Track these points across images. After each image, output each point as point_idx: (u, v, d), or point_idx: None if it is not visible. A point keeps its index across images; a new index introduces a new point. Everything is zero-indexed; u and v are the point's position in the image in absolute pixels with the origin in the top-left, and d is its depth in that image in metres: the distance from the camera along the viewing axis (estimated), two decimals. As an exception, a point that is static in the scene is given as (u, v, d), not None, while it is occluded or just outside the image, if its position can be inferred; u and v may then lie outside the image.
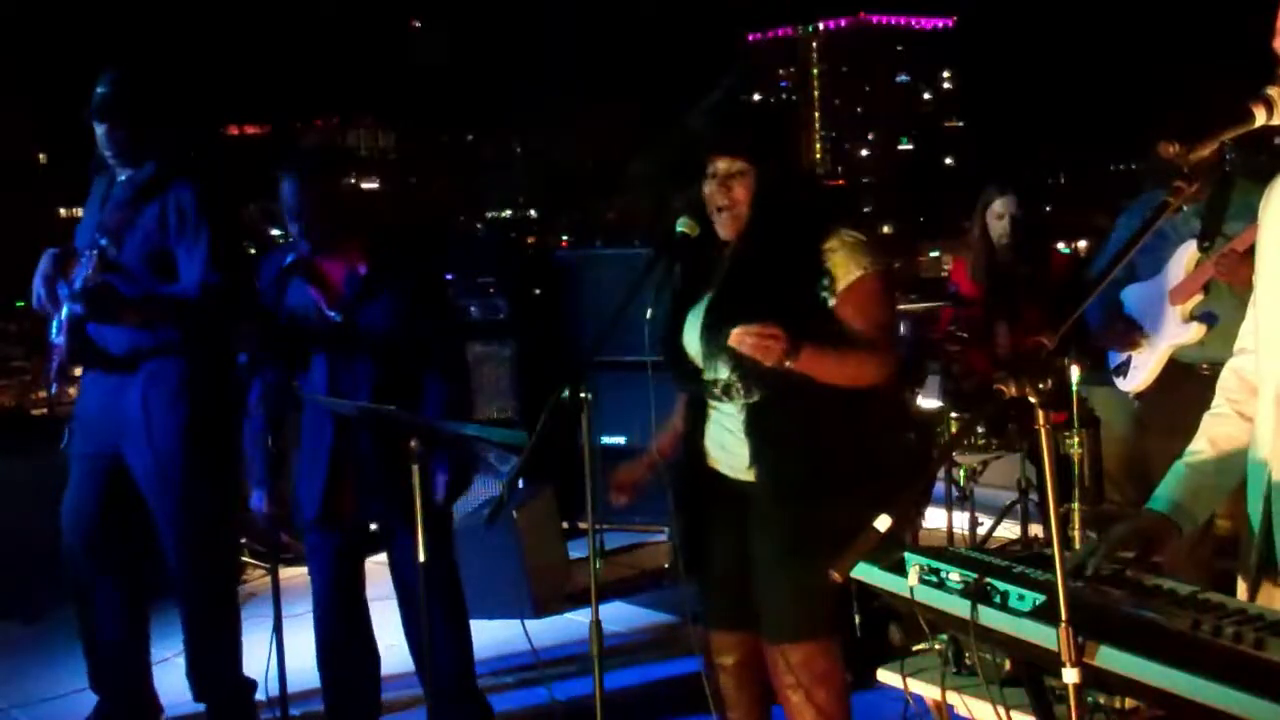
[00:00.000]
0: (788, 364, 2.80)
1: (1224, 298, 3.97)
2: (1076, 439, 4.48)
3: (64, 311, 3.89)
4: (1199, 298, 4.05)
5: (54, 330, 3.96)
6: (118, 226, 3.91)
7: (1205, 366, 3.94)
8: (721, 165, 2.99)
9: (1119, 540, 2.14)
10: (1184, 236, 4.11)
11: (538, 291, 7.33)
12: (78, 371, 4.11)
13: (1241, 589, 2.16)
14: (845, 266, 2.94)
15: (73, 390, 4.24)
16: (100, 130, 3.94)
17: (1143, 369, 4.21)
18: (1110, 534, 2.15)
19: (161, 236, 3.92)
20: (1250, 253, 2.34)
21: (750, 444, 3.01)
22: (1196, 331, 4.04)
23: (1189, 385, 3.77)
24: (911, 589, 2.07)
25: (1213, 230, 4.02)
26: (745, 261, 3.00)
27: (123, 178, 4.02)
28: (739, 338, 2.79)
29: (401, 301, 3.74)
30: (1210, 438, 2.24)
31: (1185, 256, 4.09)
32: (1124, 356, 4.32)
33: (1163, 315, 4.14)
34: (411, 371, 3.75)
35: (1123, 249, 2.06)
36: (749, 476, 3.04)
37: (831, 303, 2.94)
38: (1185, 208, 4.09)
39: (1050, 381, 1.81)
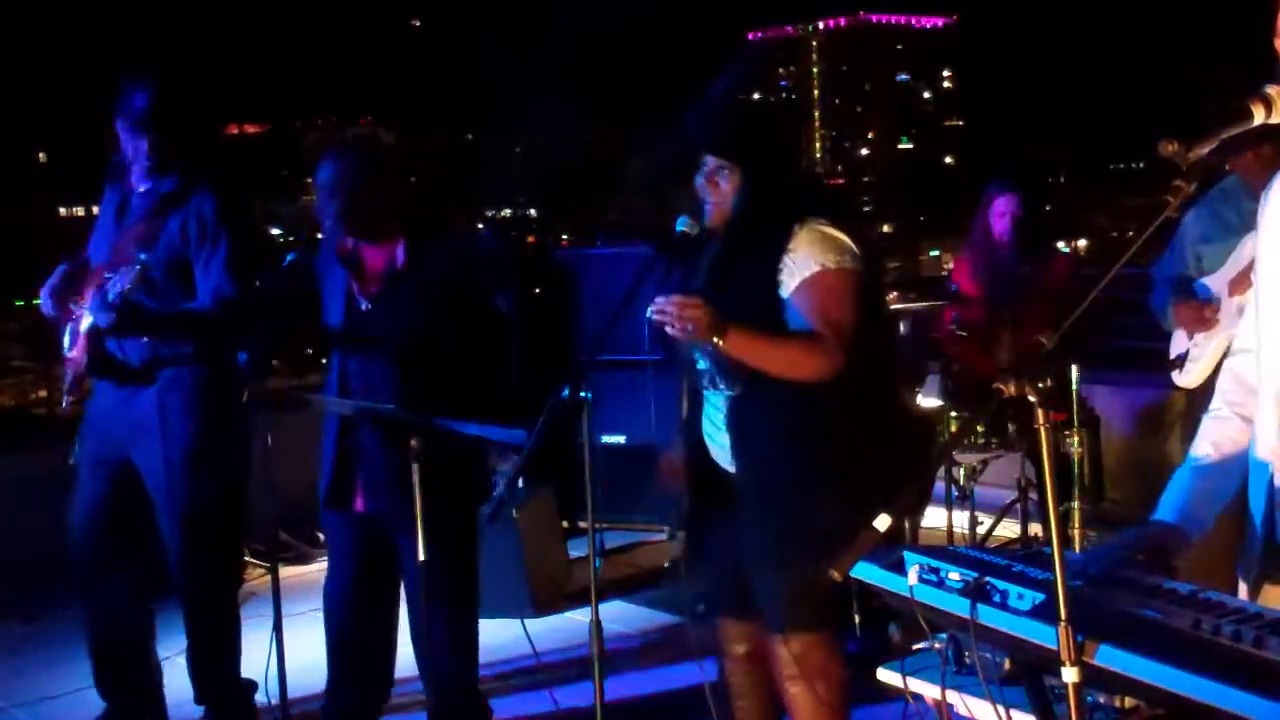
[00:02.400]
0: (715, 341, 2.81)
1: None
2: (1076, 438, 4.47)
3: (83, 323, 3.87)
4: None
5: (67, 344, 3.95)
6: (145, 238, 3.89)
7: None
8: (709, 161, 3.06)
9: (1130, 547, 2.12)
10: (1250, 227, 4.08)
11: (538, 291, 7.33)
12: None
13: (1242, 589, 2.16)
14: (804, 259, 2.95)
15: (70, 398, 4.21)
16: (141, 143, 3.86)
17: (1198, 362, 4.18)
18: (1123, 541, 2.14)
19: (183, 247, 3.91)
20: None
21: (730, 438, 3.04)
22: None
23: None
24: (911, 588, 2.07)
25: None
26: (722, 255, 3.06)
27: (143, 188, 3.99)
28: (658, 309, 2.79)
29: (431, 297, 3.67)
30: (1213, 441, 2.23)
31: (1249, 247, 4.06)
32: (1183, 349, 4.29)
33: (1223, 307, 4.12)
34: (429, 376, 3.69)
35: (1121, 248, 2.06)
36: (733, 468, 3.07)
37: (786, 294, 2.95)
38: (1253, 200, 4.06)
39: (1050, 381, 1.81)
